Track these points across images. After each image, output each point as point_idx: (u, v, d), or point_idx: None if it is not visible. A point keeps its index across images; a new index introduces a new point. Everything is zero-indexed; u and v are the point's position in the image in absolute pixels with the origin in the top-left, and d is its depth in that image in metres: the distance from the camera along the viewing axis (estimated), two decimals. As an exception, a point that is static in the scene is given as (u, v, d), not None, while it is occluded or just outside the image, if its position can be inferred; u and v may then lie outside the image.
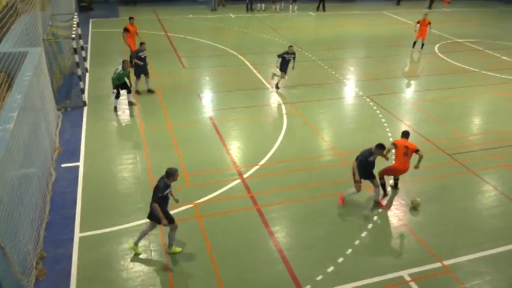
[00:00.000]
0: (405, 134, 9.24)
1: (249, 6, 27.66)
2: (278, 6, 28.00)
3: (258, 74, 16.44)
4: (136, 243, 7.60)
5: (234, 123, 12.60)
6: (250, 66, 17.32)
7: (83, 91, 13.39)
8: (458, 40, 22.30)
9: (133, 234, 7.97)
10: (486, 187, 9.93)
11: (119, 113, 12.98)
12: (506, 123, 13.08)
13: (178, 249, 7.65)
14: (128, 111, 13.12)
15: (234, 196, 9.24)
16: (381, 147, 8.57)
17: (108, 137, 11.70)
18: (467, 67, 18.02)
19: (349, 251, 7.83)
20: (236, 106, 13.68)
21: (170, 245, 7.59)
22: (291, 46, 14.67)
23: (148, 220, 7.49)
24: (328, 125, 13.01)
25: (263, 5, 28.00)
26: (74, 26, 14.18)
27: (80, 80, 13.26)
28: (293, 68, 14.79)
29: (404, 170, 9.05)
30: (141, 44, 14.13)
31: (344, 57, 18.89)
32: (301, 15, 27.44)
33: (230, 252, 7.74)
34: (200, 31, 22.41)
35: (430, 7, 30.01)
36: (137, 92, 14.12)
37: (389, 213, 8.95)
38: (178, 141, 11.41)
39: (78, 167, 10.14)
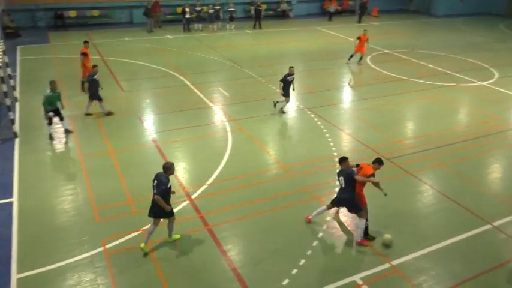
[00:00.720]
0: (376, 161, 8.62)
1: (185, 26, 27.66)
2: (215, 26, 28.29)
3: (199, 94, 16.39)
4: (146, 243, 7.99)
5: (178, 144, 12.42)
6: (191, 86, 17.25)
7: (13, 122, 12.60)
8: (387, 51, 23.72)
9: (78, 269, 7.54)
10: (424, 187, 10.52)
11: (54, 142, 12.33)
12: (436, 126, 14.00)
13: (177, 235, 8.33)
14: (64, 140, 12.49)
15: (184, 218, 9.03)
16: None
17: (43, 168, 11.04)
18: (397, 76, 19.18)
19: (302, 261, 7.91)
20: (180, 127, 13.51)
21: (170, 235, 8.23)
22: (292, 67, 14.59)
23: (152, 218, 7.96)
24: (272, 139, 13.22)
25: (200, 25, 28.14)
26: (0, 54, 13.40)
27: (10, 111, 12.47)
28: (293, 89, 14.76)
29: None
30: (94, 66, 14.14)
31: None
32: (238, 34, 27.90)
33: (183, 275, 7.53)
34: (138, 53, 22.03)
35: (359, 22, 31.71)
36: (110, 113, 14.13)
37: (337, 220, 9.19)
38: (121, 167, 11.02)
39: (11, 203, 9.45)
